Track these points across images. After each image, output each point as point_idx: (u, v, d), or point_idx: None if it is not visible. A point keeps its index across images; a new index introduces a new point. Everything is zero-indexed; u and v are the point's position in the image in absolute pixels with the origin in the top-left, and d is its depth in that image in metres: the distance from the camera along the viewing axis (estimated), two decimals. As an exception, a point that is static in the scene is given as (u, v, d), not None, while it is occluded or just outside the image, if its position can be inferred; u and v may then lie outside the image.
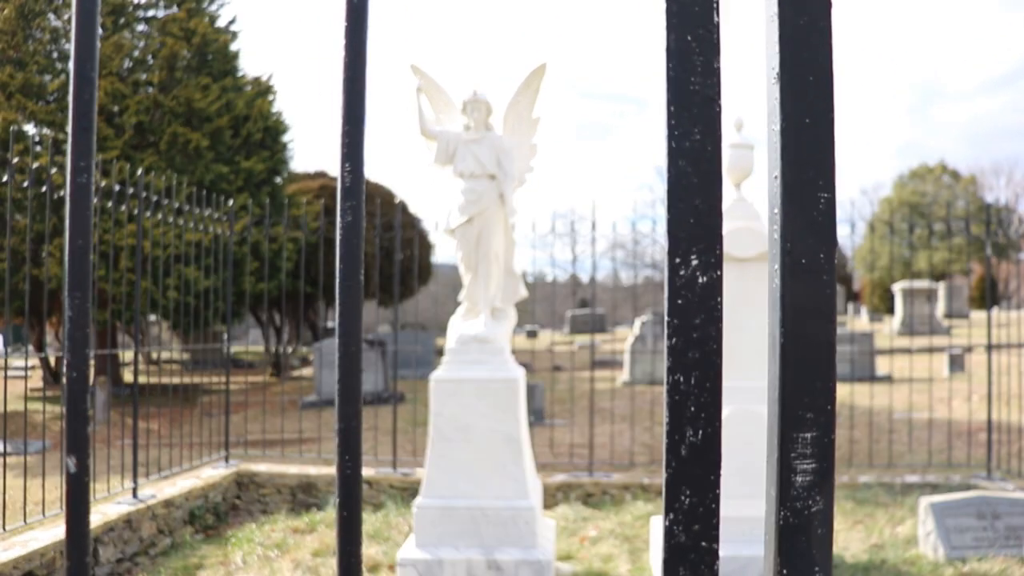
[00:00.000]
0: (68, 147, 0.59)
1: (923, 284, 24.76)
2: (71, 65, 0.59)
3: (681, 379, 0.50)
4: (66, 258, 0.58)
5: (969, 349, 10.96)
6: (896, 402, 12.14)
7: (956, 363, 15.51)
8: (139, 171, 7.24)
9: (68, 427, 0.58)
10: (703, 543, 0.50)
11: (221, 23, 18.62)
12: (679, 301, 0.50)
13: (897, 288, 26.06)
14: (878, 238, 8.36)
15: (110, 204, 6.82)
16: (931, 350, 9.13)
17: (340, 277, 0.53)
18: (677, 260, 0.51)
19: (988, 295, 8.20)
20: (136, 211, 7.08)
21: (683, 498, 0.50)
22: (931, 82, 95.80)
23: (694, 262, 0.51)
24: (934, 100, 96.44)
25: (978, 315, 28.20)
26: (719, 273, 0.51)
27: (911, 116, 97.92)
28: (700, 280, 0.50)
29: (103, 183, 6.99)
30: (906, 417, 10.74)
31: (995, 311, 8.66)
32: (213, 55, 17.59)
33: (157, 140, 16.28)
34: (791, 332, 0.50)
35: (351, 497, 0.53)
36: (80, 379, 0.58)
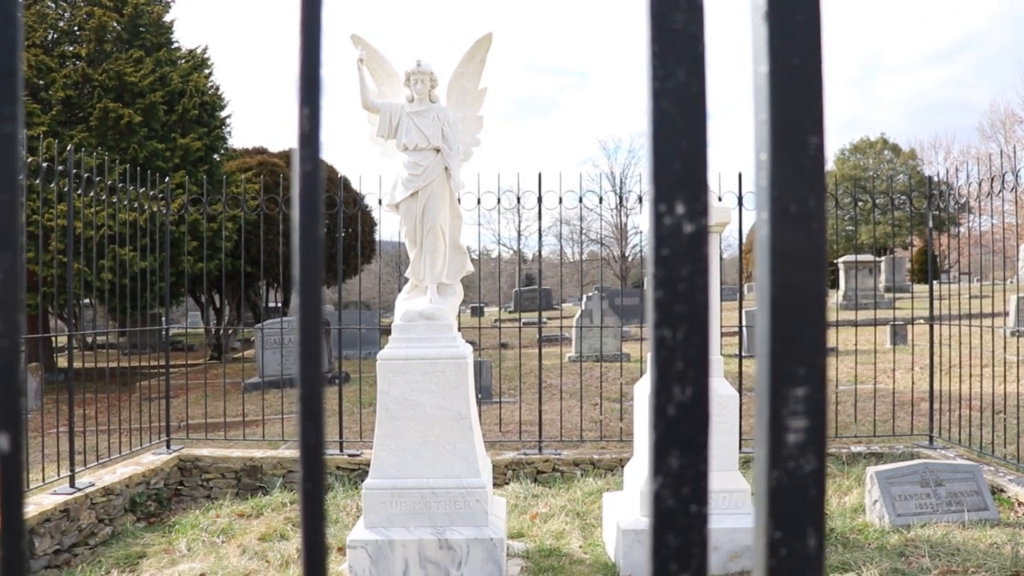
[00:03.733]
0: (-10, 92, 0.54)
1: (866, 258, 25.36)
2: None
3: (668, 334, 0.48)
4: (-9, 215, 0.53)
5: (911, 321, 11.26)
6: (841, 374, 12.44)
7: (898, 335, 15.94)
8: (68, 148, 6.98)
9: (-2, 401, 0.53)
10: (693, 507, 0.48)
11: (153, -6, 18.06)
12: (664, 251, 0.47)
13: (840, 262, 26.65)
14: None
15: (38, 182, 6.56)
16: (874, 323, 9.31)
17: (300, 231, 0.49)
18: (662, 208, 0.48)
19: (929, 268, 8.41)
20: (66, 190, 6.83)
21: (671, 460, 0.48)
22: (874, 55, 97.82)
23: (680, 210, 0.48)
24: (876, 73, 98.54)
25: (919, 288, 29.03)
26: (706, 221, 0.48)
27: (854, 89, 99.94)
28: (687, 228, 0.47)
29: (29, 160, 6.72)
30: (851, 388, 11.01)
31: (936, 284, 8.89)
32: (146, 27, 17.06)
33: (87, 116, 15.76)
34: (781, 282, 0.47)
35: (315, 468, 0.49)
36: (11, 349, 0.53)
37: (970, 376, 8.33)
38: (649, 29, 0.48)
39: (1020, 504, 6.55)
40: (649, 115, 0.49)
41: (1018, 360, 9.25)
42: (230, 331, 20.49)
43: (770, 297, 0.48)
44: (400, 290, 6.18)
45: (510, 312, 31.74)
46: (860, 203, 9.29)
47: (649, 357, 0.50)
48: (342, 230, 8.82)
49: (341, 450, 8.20)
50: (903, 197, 9.01)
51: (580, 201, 8.37)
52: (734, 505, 5.62)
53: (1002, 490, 6.78)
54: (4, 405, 0.52)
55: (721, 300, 6.09)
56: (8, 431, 0.52)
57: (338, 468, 7.96)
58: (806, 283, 0.48)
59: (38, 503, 6.20)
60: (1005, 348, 9.28)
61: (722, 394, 5.72)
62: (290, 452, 8.33)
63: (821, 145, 0.49)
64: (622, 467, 7.37)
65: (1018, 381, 8.63)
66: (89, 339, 16.15)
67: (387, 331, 5.96)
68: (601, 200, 8.92)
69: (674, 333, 0.48)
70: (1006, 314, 16.73)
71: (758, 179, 0.50)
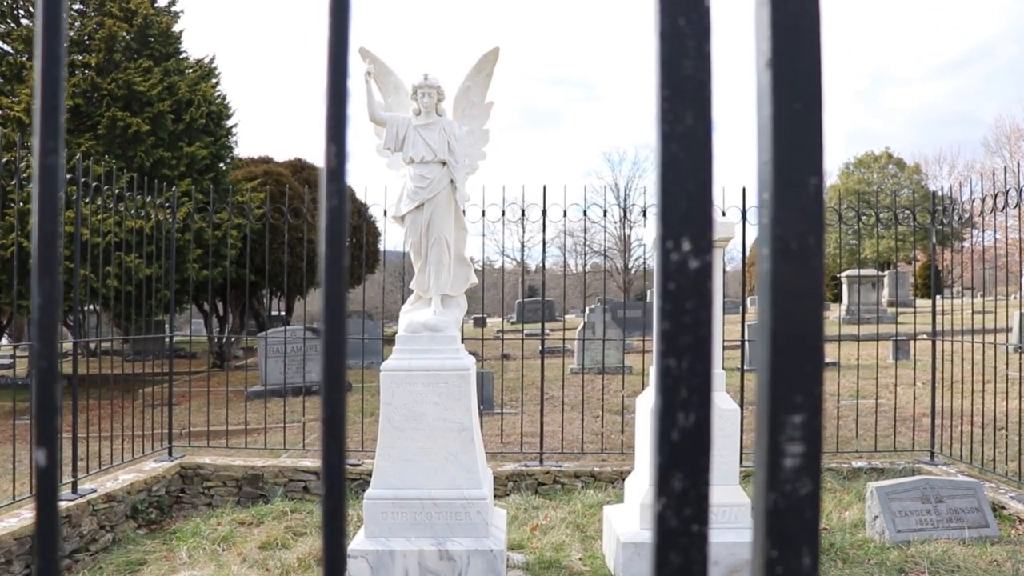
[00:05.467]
0: (35, 128, 0.57)
1: (869, 272, 25.40)
2: (37, 43, 0.57)
3: (673, 364, 0.50)
4: (34, 244, 0.56)
5: (913, 337, 11.28)
6: (843, 389, 12.44)
7: (901, 350, 15.95)
8: (76, 156, 7.04)
9: (38, 420, 0.56)
10: (694, 527, 0.51)
11: (162, 3, 18.18)
12: (671, 286, 0.50)
13: (844, 276, 26.67)
14: (825, 226, 8.66)
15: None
16: (876, 338, 9.33)
17: (326, 262, 0.52)
18: (669, 244, 0.50)
19: (932, 283, 8.42)
20: (74, 197, 6.89)
21: (674, 482, 0.50)
22: (881, 67, 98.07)
23: (686, 247, 0.50)
24: (883, 85, 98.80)
25: (923, 303, 29.03)
26: (711, 257, 0.51)
27: (860, 101, 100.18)
28: (692, 264, 0.50)
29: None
30: (853, 403, 11.00)
31: (939, 299, 8.91)
32: (155, 37, 17.16)
33: (95, 124, 15.85)
34: (781, 315, 0.50)
35: (336, 487, 0.52)
36: (50, 370, 0.55)
37: (972, 392, 8.33)
38: (659, 75, 0.51)
39: (1021, 521, 6.54)
40: (658, 156, 0.51)
41: (1020, 376, 9.24)
42: (233, 339, 20.54)
43: (770, 329, 0.51)
44: (403, 301, 6.21)
45: (513, 323, 31.76)
46: (864, 217, 9.32)
47: (653, 382, 0.53)
48: (346, 240, 8.84)
49: (343, 459, 8.21)
50: (907, 212, 9.02)
51: (584, 214, 8.40)
52: (734, 519, 5.63)
53: (1003, 507, 6.78)
54: (42, 422, 0.55)
55: (724, 313, 6.12)
56: (46, 447, 0.55)
57: (340, 477, 7.97)
58: (804, 316, 0.51)
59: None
60: (1008, 364, 9.29)
61: (723, 408, 5.74)
62: (291, 461, 8.35)
63: (820, 186, 0.52)
64: (623, 480, 7.38)
65: (1020, 398, 8.62)
66: (93, 345, 16.22)
67: (390, 341, 6.00)
68: (605, 213, 8.96)
69: (679, 363, 0.51)
70: (1009, 330, 16.72)
71: (760, 217, 0.53)
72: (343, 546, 0.55)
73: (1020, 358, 10.35)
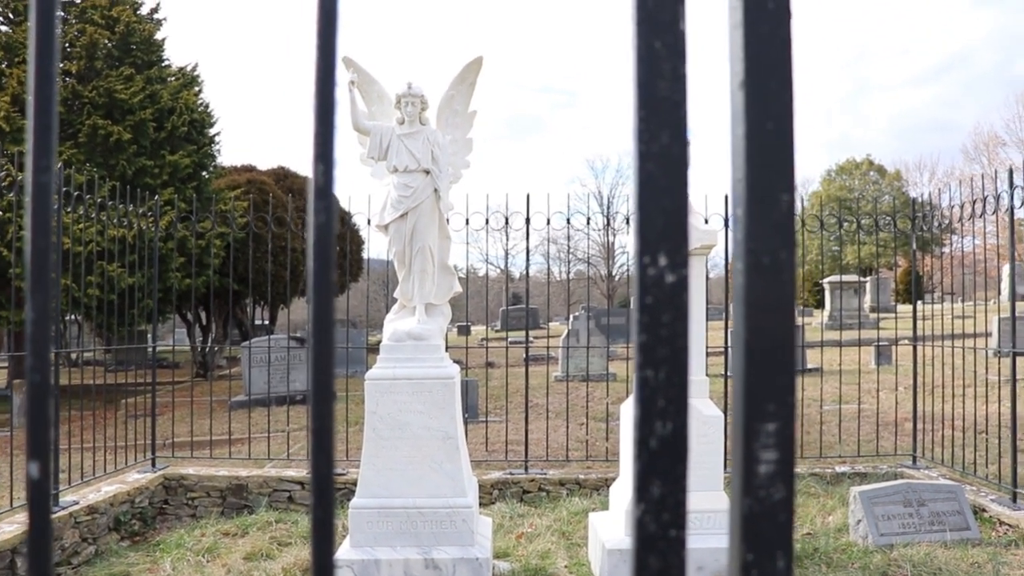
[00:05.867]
0: (28, 145, 0.58)
1: (851, 278, 25.62)
2: (30, 61, 0.58)
3: (651, 375, 0.52)
4: (27, 259, 0.57)
5: (895, 342, 11.37)
6: (826, 394, 12.52)
7: (883, 355, 16.08)
8: (58, 165, 7.00)
9: (30, 432, 0.57)
10: (672, 532, 0.52)
11: (144, 11, 18.12)
12: (648, 299, 0.52)
13: (826, 282, 26.88)
14: (808, 233, 8.70)
15: (28, 199, 6.56)
16: (859, 343, 9.41)
17: (314, 276, 0.53)
18: (646, 259, 0.52)
19: (913, 289, 8.51)
20: (56, 206, 6.84)
21: (653, 489, 0.52)
22: (863, 74, 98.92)
23: (662, 262, 0.52)
24: (865, 92, 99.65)
25: (904, 308, 29.23)
26: (687, 271, 0.53)
27: (842, 108, 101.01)
28: (668, 279, 0.52)
29: (19, 176, 6.74)
30: (835, 408, 11.08)
31: (920, 304, 9.00)
32: (137, 44, 17.11)
33: (76, 132, 15.77)
34: (754, 328, 0.52)
35: (325, 497, 0.53)
36: (43, 383, 0.57)
37: (953, 396, 8.42)
38: (636, 96, 0.53)
39: (1002, 524, 6.61)
40: (635, 175, 0.53)
41: (1000, 380, 9.36)
42: (216, 348, 20.43)
43: (744, 341, 0.53)
44: (387, 309, 6.21)
45: (497, 331, 31.77)
46: (845, 224, 9.41)
47: (633, 394, 0.55)
48: (334, 255, 8.83)
49: (327, 469, 8.18)
50: (888, 218, 9.10)
51: (568, 222, 8.44)
52: (718, 525, 5.66)
53: (984, 510, 6.85)
54: (36, 436, 0.56)
55: (707, 320, 6.15)
56: (39, 460, 0.56)
57: (324, 487, 7.94)
58: (776, 328, 0.53)
59: (21, 522, 6.16)
60: (988, 368, 9.39)
61: (707, 414, 5.77)
62: (276, 471, 8.32)
63: (791, 202, 0.54)
64: (608, 487, 7.40)
65: (1000, 401, 8.72)
66: (74, 355, 16.09)
67: (374, 350, 5.99)
68: (588, 220, 9.00)
69: (656, 374, 0.53)
70: (989, 334, 16.90)
71: (735, 232, 0.55)
72: (331, 556, 0.56)
73: (1000, 362, 10.47)
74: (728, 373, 8.05)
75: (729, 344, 9.70)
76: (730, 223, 0.55)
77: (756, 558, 0.54)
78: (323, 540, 0.56)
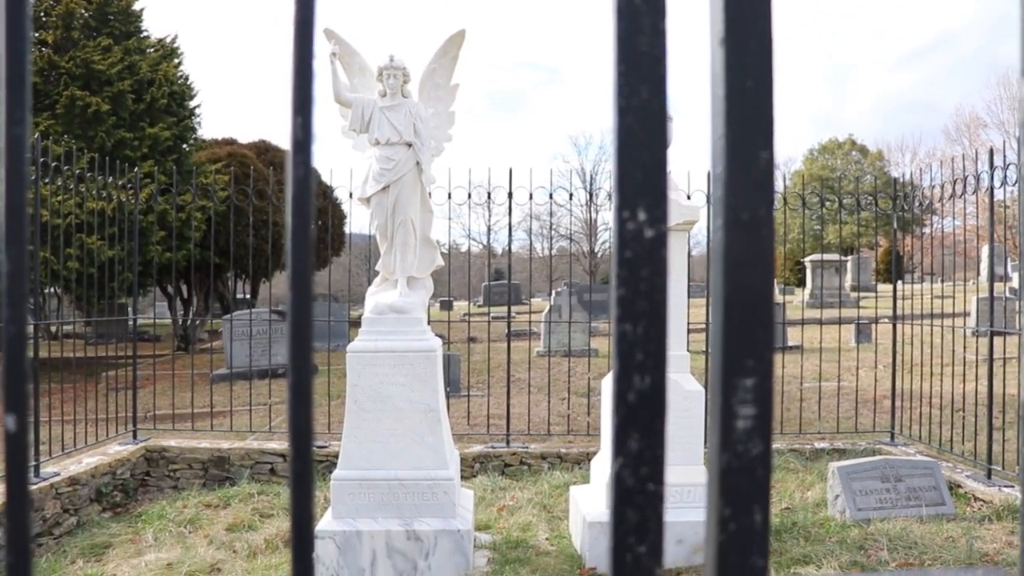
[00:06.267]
0: (1, 98, 0.57)
1: (832, 257, 25.77)
2: (2, 11, 0.57)
3: (629, 328, 0.52)
4: (2, 213, 0.57)
5: (875, 320, 11.46)
6: (806, 371, 12.63)
7: (863, 334, 16.20)
8: (35, 135, 6.91)
9: (6, 384, 0.56)
10: (650, 485, 0.53)
11: (122, -19, 17.80)
12: (627, 253, 0.52)
13: (807, 261, 27.02)
14: (790, 211, 8.79)
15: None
16: (839, 321, 9.50)
17: (292, 232, 0.53)
18: (625, 214, 0.52)
19: (894, 268, 8.57)
20: (33, 178, 6.76)
21: (631, 443, 0.53)
22: (847, 54, 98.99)
23: (641, 216, 0.52)
24: (849, 72, 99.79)
25: (884, 287, 29.48)
26: (665, 227, 0.53)
27: (826, 88, 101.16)
28: (647, 233, 0.52)
29: None
30: (815, 386, 11.18)
31: (900, 284, 9.07)
32: (114, 15, 16.84)
33: (53, 103, 15.54)
34: (733, 283, 0.52)
35: (303, 450, 0.53)
36: (19, 334, 0.56)
37: (931, 375, 8.51)
38: (616, 51, 0.53)
39: (976, 499, 6.72)
40: (615, 130, 0.53)
41: (977, 359, 9.46)
42: (197, 322, 20.33)
43: (723, 297, 0.54)
44: (370, 283, 6.20)
45: (479, 306, 31.79)
46: (827, 203, 9.45)
47: (612, 349, 0.55)
48: (312, 222, 8.79)
49: (309, 442, 8.18)
50: (869, 198, 9.15)
51: (551, 197, 8.43)
52: (699, 499, 5.72)
53: (959, 486, 6.95)
54: (13, 388, 0.56)
55: (689, 297, 6.17)
56: (16, 412, 0.56)
57: (306, 460, 7.95)
58: (755, 284, 0.53)
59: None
60: (965, 348, 9.49)
61: (688, 389, 5.81)
62: (257, 443, 8.32)
63: (771, 159, 0.54)
64: (589, 461, 7.45)
65: (977, 380, 8.83)
66: (54, 328, 15.97)
67: (356, 324, 5.98)
68: (571, 196, 8.99)
69: (635, 327, 0.53)
70: (967, 314, 17.07)
71: (714, 190, 0.56)
72: (311, 510, 0.57)
73: (977, 341, 10.59)
74: (709, 350, 8.05)
75: (712, 320, 9.70)
76: (710, 181, 0.55)
77: (733, 512, 0.54)
78: (303, 494, 0.56)
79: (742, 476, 0.54)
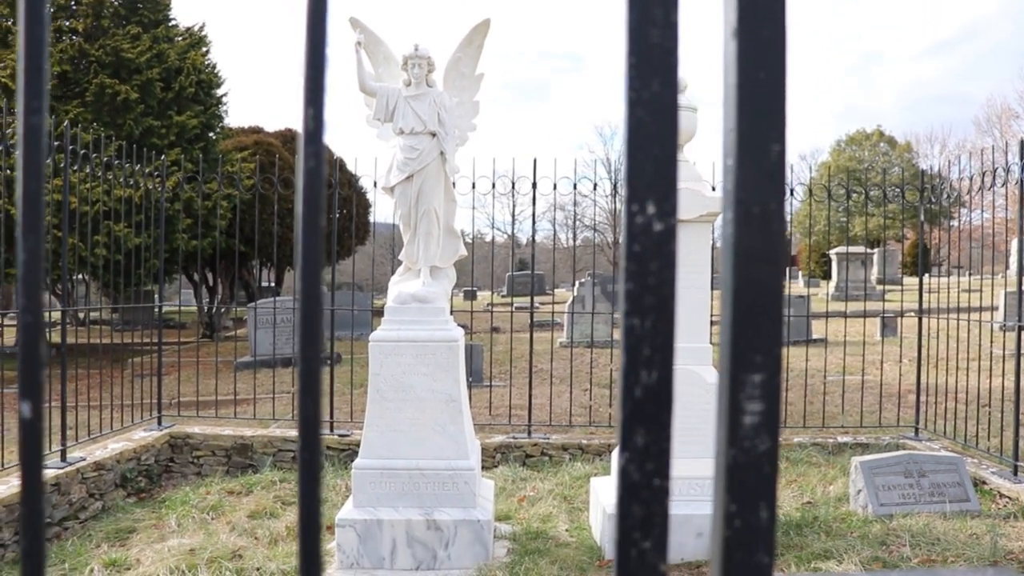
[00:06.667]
0: (19, 88, 0.58)
1: (858, 250, 25.51)
2: (20, 1, 0.58)
3: (637, 323, 0.52)
4: (19, 201, 0.57)
5: (901, 314, 11.33)
6: (830, 365, 12.53)
7: (888, 327, 16.06)
8: (64, 123, 6.98)
9: (22, 372, 0.57)
10: (656, 480, 0.53)
11: (150, -30, 17.92)
12: (636, 247, 0.52)
13: (833, 253, 26.76)
14: (816, 203, 8.69)
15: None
16: (865, 314, 9.40)
17: (303, 222, 0.53)
18: (635, 207, 0.52)
19: (920, 261, 8.47)
20: (62, 165, 6.84)
21: (637, 438, 0.52)
22: (874, 44, 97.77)
23: (651, 210, 0.52)
24: (876, 62, 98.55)
25: (910, 280, 29.14)
26: (674, 220, 0.53)
27: (853, 78, 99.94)
28: (656, 227, 0.52)
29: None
30: (839, 379, 11.10)
31: (927, 277, 8.96)
32: (143, 3, 16.96)
33: (83, 91, 15.70)
34: (742, 277, 0.52)
35: (312, 439, 0.54)
36: (35, 323, 0.57)
37: (957, 369, 8.41)
38: (627, 43, 0.53)
39: (1001, 496, 6.64)
40: (625, 122, 0.53)
41: (1005, 354, 9.35)
42: (222, 309, 20.52)
43: (732, 291, 0.53)
44: (393, 272, 6.22)
45: (503, 296, 31.81)
46: (854, 195, 9.35)
47: (621, 343, 0.55)
48: (337, 211, 8.85)
49: (331, 430, 8.25)
50: (896, 190, 9.04)
51: (574, 187, 8.41)
52: (719, 492, 5.68)
53: (984, 482, 6.88)
54: (29, 376, 0.56)
55: (712, 289, 6.14)
56: (31, 399, 0.57)
57: (328, 448, 8.03)
58: (765, 279, 0.53)
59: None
60: (992, 342, 9.38)
61: (710, 382, 5.78)
62: (280, 431, 8.39)
63: (783, 152, 0.54)
64: (610, 452, 7.45)
65: (1004, 375, 8.72)
66: (81, 315, 16.18)
67: (380, 313, 6.00)
68: (595, 187, 8.96)
69: (643, 322, 0.53)
70: (995, 308, 16.85)
71: (725, 183, 0.55)
72: (319, 497, 0.57)
73: (1005, 336, 10.45)
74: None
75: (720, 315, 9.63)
76: (721, 173, 0.54)
77: (739, 508, 0.54)
78: (310, 480, 0.56)
79: (748, 472, 0.53)
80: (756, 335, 0.53)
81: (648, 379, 0.53)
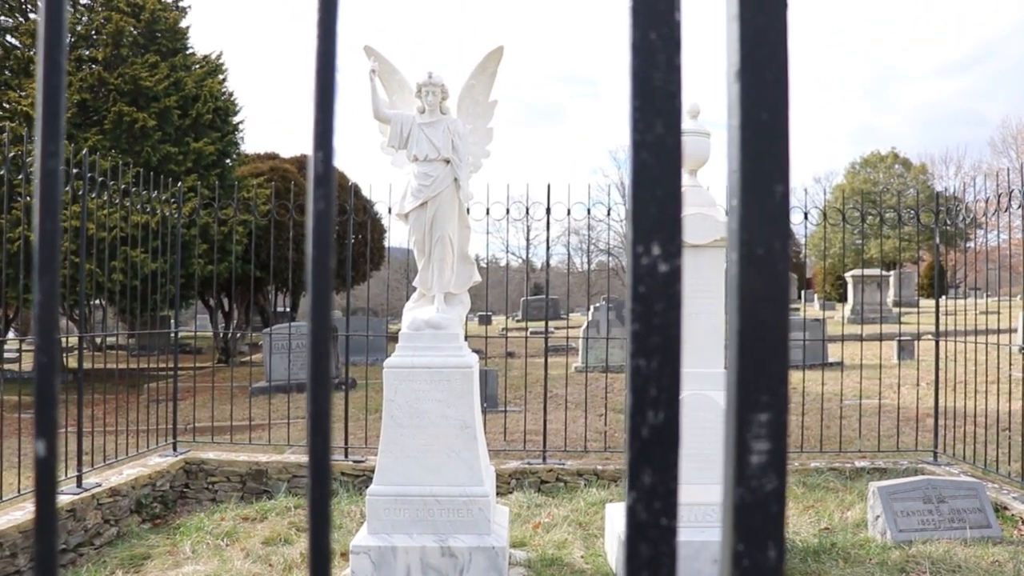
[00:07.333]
0: (37, 132, 0.59)
1: (874, 272, 25.37)
2: (39, 49, 0.59)
3: (643, 364, 0.53)
4: (35, 243, 0.58)
5: (918, 337, 11.24)
6: (847, 388, 12.43)
7: (905, 350, 15.91)
8: (83, 151, 7.07)
9: (38, 411, 0.58)
10: (663, 520, 0.53)
11: (170, -1, 18.23)
12: (641, 288, 0.52)
13: (849, 276, 26.63)
14: (830, 226, 8.65)
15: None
16: (881, 337, 9.34)
17: (312, 263, 0.54)
18: (640, 248, 0.53)
19: (937, 283, 8.42)
20: (80, 192, 6.92)
21: (644, 478, 0.53)
22: (888, 64, 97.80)
23: (656, 251, 0.53)
24: (890, 83, 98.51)
25: (927, 303, 28.93)
26: (679, 261, 0.53)
27: (867, 99, 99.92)
28: (661, 268, 0.52)
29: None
30: (856, 403, 11.01)
31: (943, 299, 8.90)
32: (162, 32, 17.22)
33: (102, 119, 15.93)
34: (747, 317, 0.52)
35: (322, 479, 0.54)
36: (50, 363, 0.58)
37: (976, 393, 8.33)
38: (631, 86, 0.54)
39: (1023, 522, 6.55)
40: (630, 164, 0.54)
41: (1024, 378, 9.24)
42: (238, 335, 20.60)
43: (738, 331, 0.53)
44: (408, 297, 6.23)
45: (517, 321, 31.81)
46: (869, 217, 9.32)
47: (626, 383, 0.55)
48: (352, 237, 8.89)
49: (346, 456, 8.25)
50: (912, 212, 9.00)
51: (588, 212, 8.42)
52: (736, 518, 5.63)
53: (1006, 508, 6.78)
54: (42, 414, 0.57)
55: (727, 313, 6.12)
56: (46, 438, 0.57)
57: (343, 474, 8.01)
58: (770, 319, 0.53)
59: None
60: (1012, 365, 9.28)
61: (723, 407, 5.73)
62: (295, 457, 8.39)
63: (786, 193, 0.54)
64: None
65: (1024, 399, 8.62)
66: (98, 340, 16.29)
67: (394, 338, 6.01)
68: (609, 212, 8.97)
69: (649, 363, 0.53)
70: (1014, 331, 16.69)
71: (730, 223, 0.56)
72: (328, 536, 0.57)
73: (1024, 359, 10.35)
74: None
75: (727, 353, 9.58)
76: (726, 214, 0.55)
77: (747, 548, 0.54)
78: (320, 521, 0.57)
79: (756, 511, 0.53)
80: (762, 374, 0.53)
81: (655, 419, 0.53)
